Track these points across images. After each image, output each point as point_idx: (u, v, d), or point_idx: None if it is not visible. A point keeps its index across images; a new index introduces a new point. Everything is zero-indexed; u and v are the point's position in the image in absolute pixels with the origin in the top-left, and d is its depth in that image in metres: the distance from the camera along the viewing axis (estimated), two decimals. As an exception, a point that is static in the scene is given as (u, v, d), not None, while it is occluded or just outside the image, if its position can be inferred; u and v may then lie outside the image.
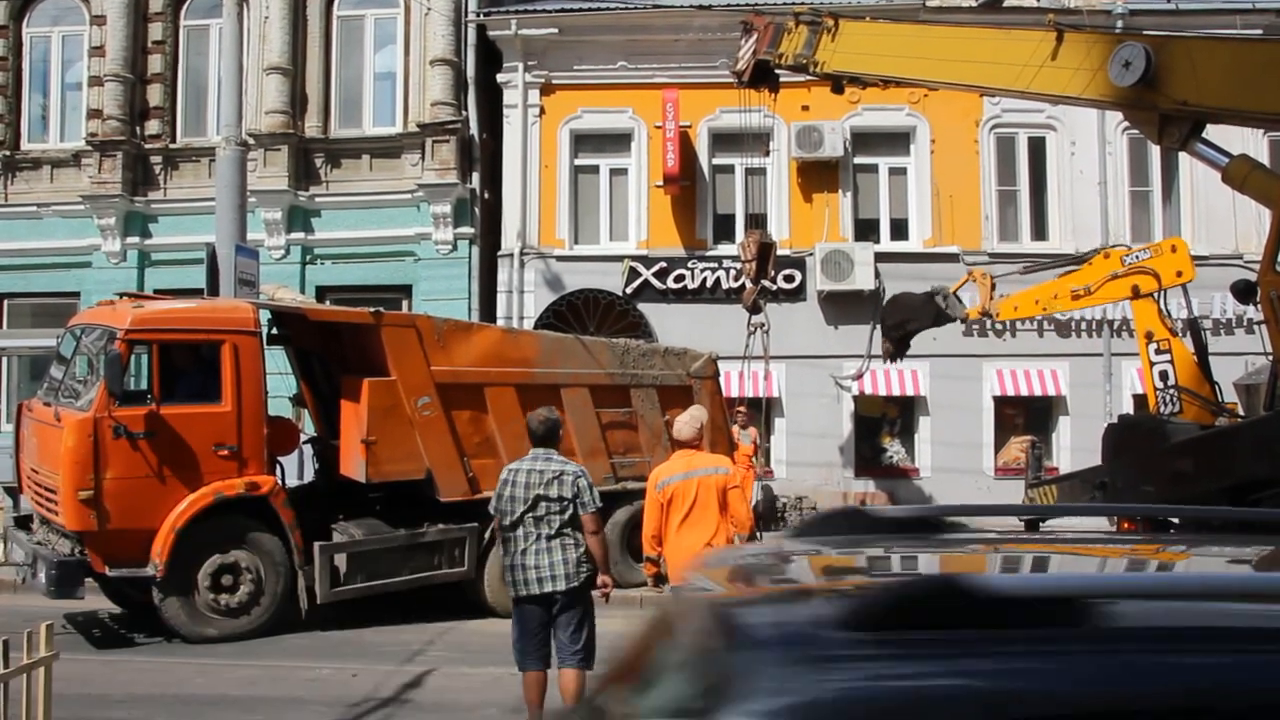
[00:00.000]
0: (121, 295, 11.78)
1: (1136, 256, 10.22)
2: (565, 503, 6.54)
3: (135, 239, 18.04)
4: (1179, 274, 9.92)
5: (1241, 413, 11.07)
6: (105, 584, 10.36)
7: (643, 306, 17.45)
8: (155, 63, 18.30)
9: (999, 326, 17.26)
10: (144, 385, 10.08)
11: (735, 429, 14.70)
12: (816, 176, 17.66)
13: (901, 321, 12.88)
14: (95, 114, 18.16)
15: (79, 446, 9.15)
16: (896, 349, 13.75)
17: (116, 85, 17.93)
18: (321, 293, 17.39)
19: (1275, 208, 7.25)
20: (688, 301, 17.41)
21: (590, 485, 6.61)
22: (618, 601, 11.60)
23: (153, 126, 18.25)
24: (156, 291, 15.02)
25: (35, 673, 4.65)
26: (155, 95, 18.29)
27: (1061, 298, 10.92)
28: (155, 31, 18.30)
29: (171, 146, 18.28)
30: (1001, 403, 17.46)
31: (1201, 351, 9.89)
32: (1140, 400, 14.96)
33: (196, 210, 16.92)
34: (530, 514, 6.60)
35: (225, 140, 12.87)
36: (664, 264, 17.46)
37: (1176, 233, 17.58)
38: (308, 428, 12.61)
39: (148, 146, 18.19)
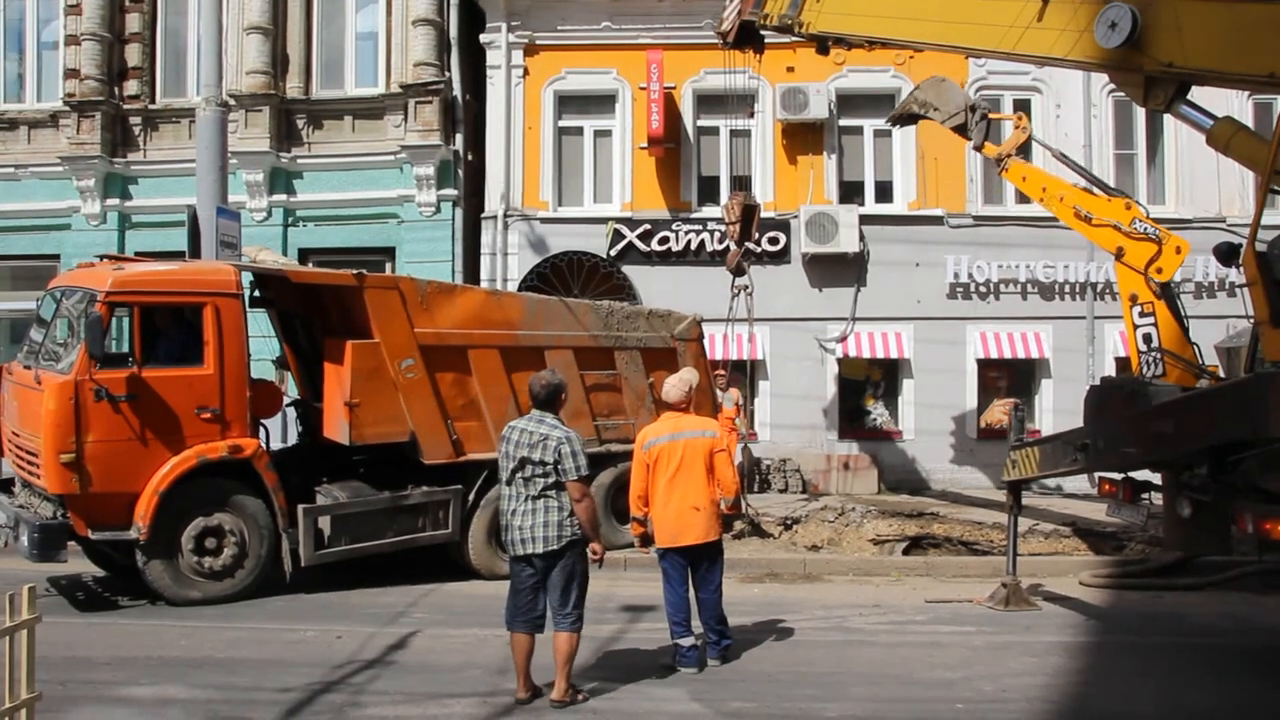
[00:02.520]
0: (102, 257, 11.68)
1: (1145, 228, 10.17)
2: (547, 466, 6.55)
3: (115, 201, 17.89)
4: (1159, 270, 9.92)
5: (1222, 375, 11.13)
6: (88, 547, 10.35)
7: (627, 269, 17.42)
8: (133, 21, 18.07)
9: (982, 289, 17.33)
10: (125, 348, 10.01)
11: (717, 391, 14.74)
12: (801, 138, 17.61)
13: (926, 103, 12.24)
14: (73, 74, 17.93)
15: (60, 409, 9.10)
16: (898, 121, 13.29)
17: (94, 44, 17.70)
18: (304, 255, 17.30)
19: (1260, 170, 7.24)
20: (672, 264, 17.39)
21: (575, 453, 6.58)
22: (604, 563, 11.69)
23: (131, 87, 18.05)
24: (137, 254, 14.89)
25: (18, 635, 4.63)
26: (134, 55, 18.07)
27: (1066, 204, 10.66)
28: (133, -10, 18.07)
29: (151, 107, 18.08)
30: (984, 365, 17.54)
31: (1179, 317, 9.92)
32: (1123, 363, 15.04)
33: (177, 172, 16.82)
34: (519, 474, 6.66)
35: (205, 101, 12.73)
36: (648, 226, 17.41)
37: (1161, 195, 17.65)
38: (291, 390, 12.57)
39: (126, 107, 18.00)
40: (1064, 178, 11.33)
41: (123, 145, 18.01)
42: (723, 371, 14.76)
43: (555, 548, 6.61)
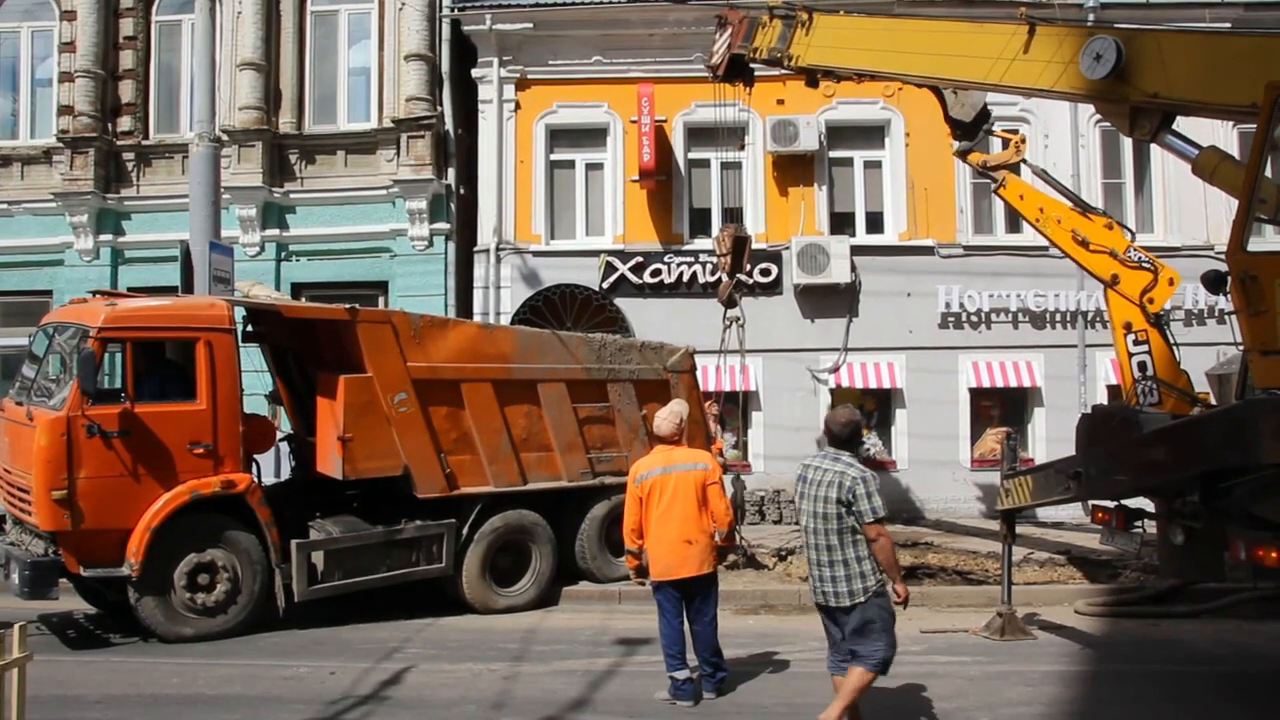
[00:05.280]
0: (95, 293, 11.70)
1: (1139, 257, 10.21)
2: (840, 507, 6.40)
3: (108, 236, 17.89)
4: (1151, 300, 9.97)
5: (1214, 402, 11.16)
6: (80, 584, 10.29)
7: (619, 301, 17.46)
8: (127, 58, 18.15)
9: (974, 318, 17.39)
10: (118, 384, 10.00)
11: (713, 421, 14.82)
12: (792, 170, 17.70)
13: None
14: (66, 110, 18.00)
15: (52, 446, 9.09)
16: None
17: (88, 81, 17.77)
18: (297, 289, 17.32)
19: (1241, 198, 7.31)
20: (664, 296, 17.43)
21: (870, 494, 6.37)
22: (595, 595, 11.71)
23: (125, 123, 18.11)
24: (130, 289, 14.97)
25: (9, 674, 4.62)
26: (127, 91, 18.14)
27: (1063, 226, 10.63)
28: (126, 27, 18.16)
29: (144, 143, 18.13)
30: (977, 394, 17.57)
31: (1171, 346, 9.97)
32: (1115, 391, 15.06)
33: (170, 207, 16.88)
34: (817, 516, 6.53)
35: (198, 136, 12.80)
36: (640, 258, 17.47)
37: (1149, 224, 17.77)
38: (284, 425, 12.56)
39: (120, 143, 18.05)
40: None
41: (116, 181, 18.04)
42: (714, 405, 14.74)
43: (861, 600, 6.39)
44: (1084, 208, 10.91)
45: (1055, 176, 12.05)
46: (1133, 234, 10.68)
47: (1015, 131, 12.49)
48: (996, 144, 12.19)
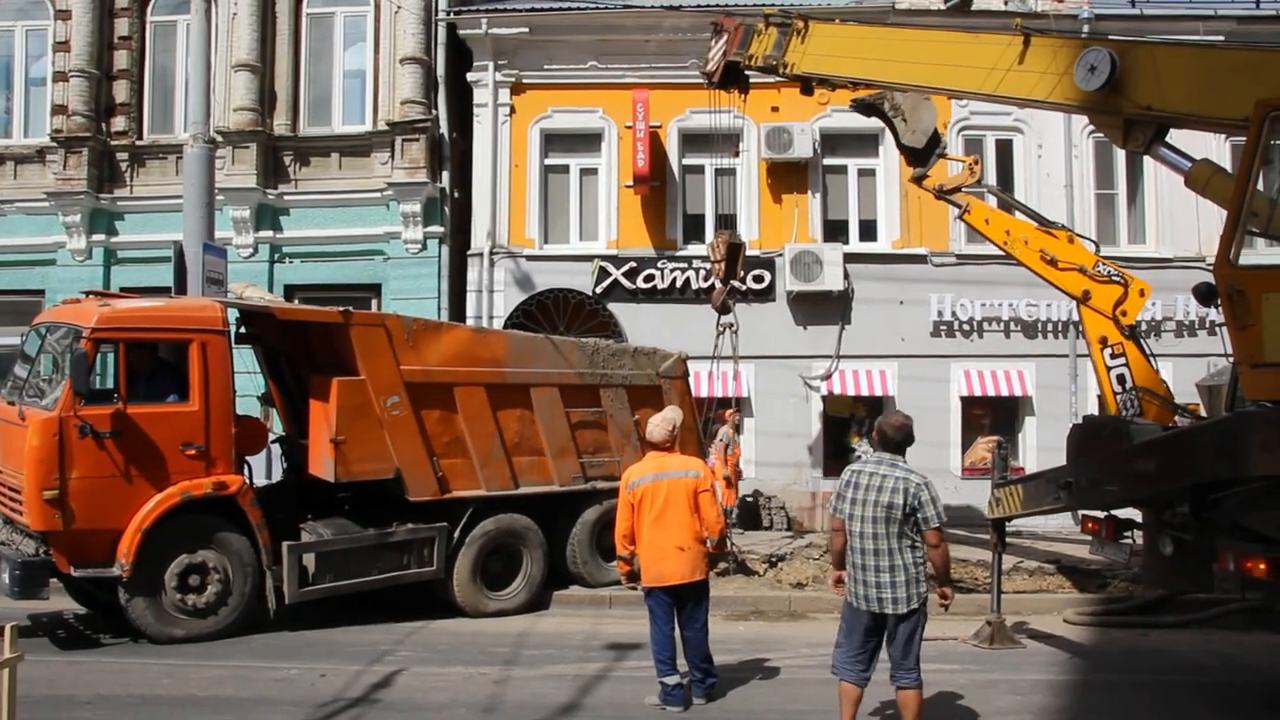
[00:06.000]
0: (88, 293, 11.69)
1: (1108, 271, 10.24)
2: (901, 513, 6.33)
3: (101, 236, 17.87)
4: (1124, 313, 10.01)
5: (1204, 413, 11.21)
6: (70, 584, 10.27)
7: (612, 306, 17.47)
8: (121, 59, 18.14)
9: (966, 327, 17.44)
10: (110, 384, 9.99)
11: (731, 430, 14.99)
12: (786, 177, 17.74)
13: (899, 108, 11.77)
14: (60, 110, 17.97)
15: (44, 446, 9.07)
16: (862, 105, 12.44)
17: (82, 81, 17.75)
18: (290, 291, 17.31)
19: (1231, 212, 7.36)
20: (657, 301, 17.45)
21: (934, 499, 6.36)
22: (586, 600, 11.71)
23: (119, 123, 18.09)
24: (123, 290, 14.93)
25: (0, 674, 4.62)
26: (121, 91, 18.12)
27: (1031, 247, 10.64)
28: (121, 27, 18.15)
29: (138, 143, 18.11)
30: (968, 403, 17.62)
31: (1148, 356, 10.01)
32: (1105, 402, 15.12)
33: (164, 208, 16.86)
34: (872, 521, 6.44)
35: (193, 137, 12.79)
36: (634, 264, 17.49)
37: (1142, 235, 17.85)
38: (276, 427, 12.55)
39: (114, 143, 18.03)
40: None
41: (109, 181, 18.02)
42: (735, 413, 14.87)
43: (916, 606, 6.37)
44: (1043, 223, 10.94)
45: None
46: (1096, 246, 10.72)
47: (973, 157, 12.57)
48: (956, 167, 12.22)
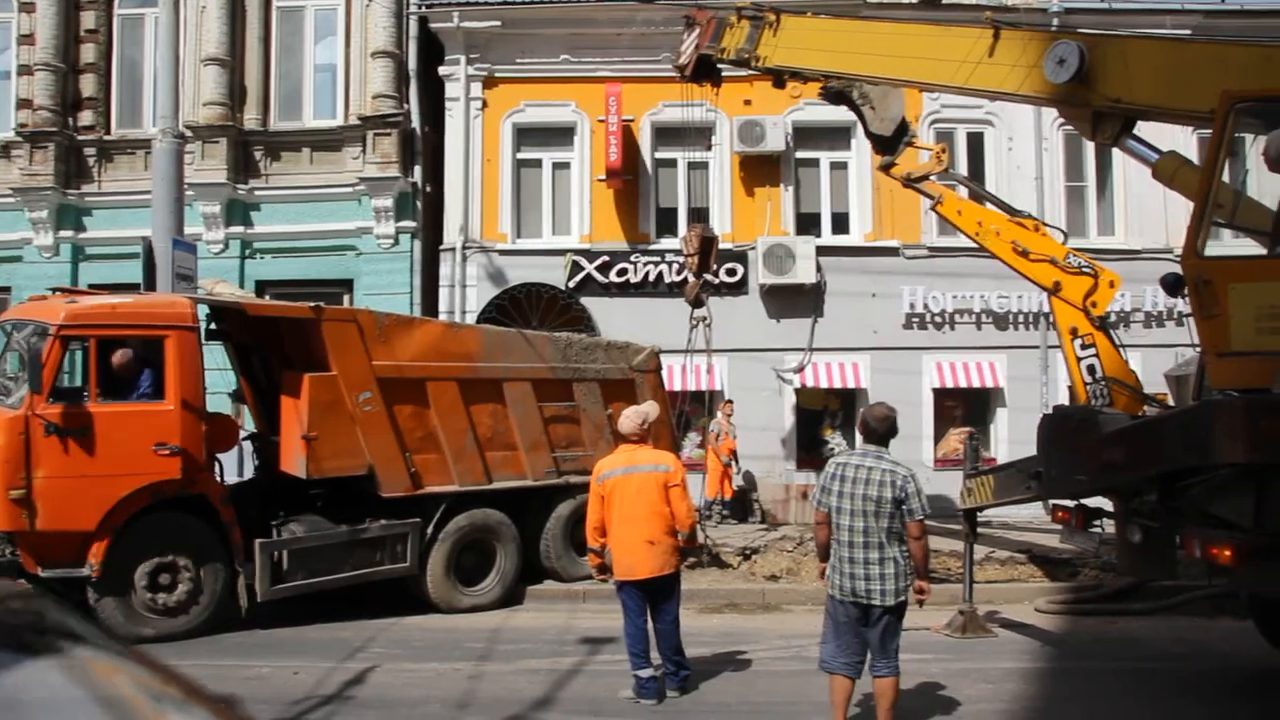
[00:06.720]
0: (55, 290, 11.56)
1: (1078, 262, 10.30)
2: (890, 506, 6.38)
3: (69, 232, 17.70)
4: (1094, 304, 10.07)
5: (1172, 403, 11.30)
6: (38, 585, 10.17)
7: (585, 300, 17.46)
8: (88, 52, 17.96)
9: (938, 319, 17.53)
10: (79, 382, 9.90)
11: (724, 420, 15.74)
12: (758, 170, 17.77)
13: (867, 96, 11.71)
14: (25, 104, 17.78)
15: (10, 445, 8.98)
16: (831, 94, 12.11)
17: (47, 75, 17.57)
18: (261, 287, 17.21)
19: (1197, 203, 7.42)
20: (630, 295, 17.45)
21: (920, 491, 6.43)
22: (560, 594, 11.71)
23: (86, 117, 17.91)
24: (91, 286, 14.78)
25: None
26: (89, 85, 17.94)
27: (1003, 238, 10.66)
28: (88, 20, 17.98)
29: (106, 138, 17.95)
30: (941, 394, 17.72)
31: (1117, 347, 10.08)
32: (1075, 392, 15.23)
33: (132, 204, 16.70)
34: (858, 513, 6.46)
35: (161, 132, 12.66)
36: (606, 258, 17.48)
37: (1111, 227, 17.99)
38: (247, 424, 12.48)
39: (81, 138, 17.86)
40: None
41: (77, 176, 17.85)
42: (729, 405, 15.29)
43: (904, 599, 6.42)
44: (1011, 212, 10.98)
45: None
46: (1065, 235, 10.78)
47: (940, 145, 12.60)
48: (924, 155, 12.25)
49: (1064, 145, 17.87)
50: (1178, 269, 7.61)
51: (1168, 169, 8.44)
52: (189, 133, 16.19)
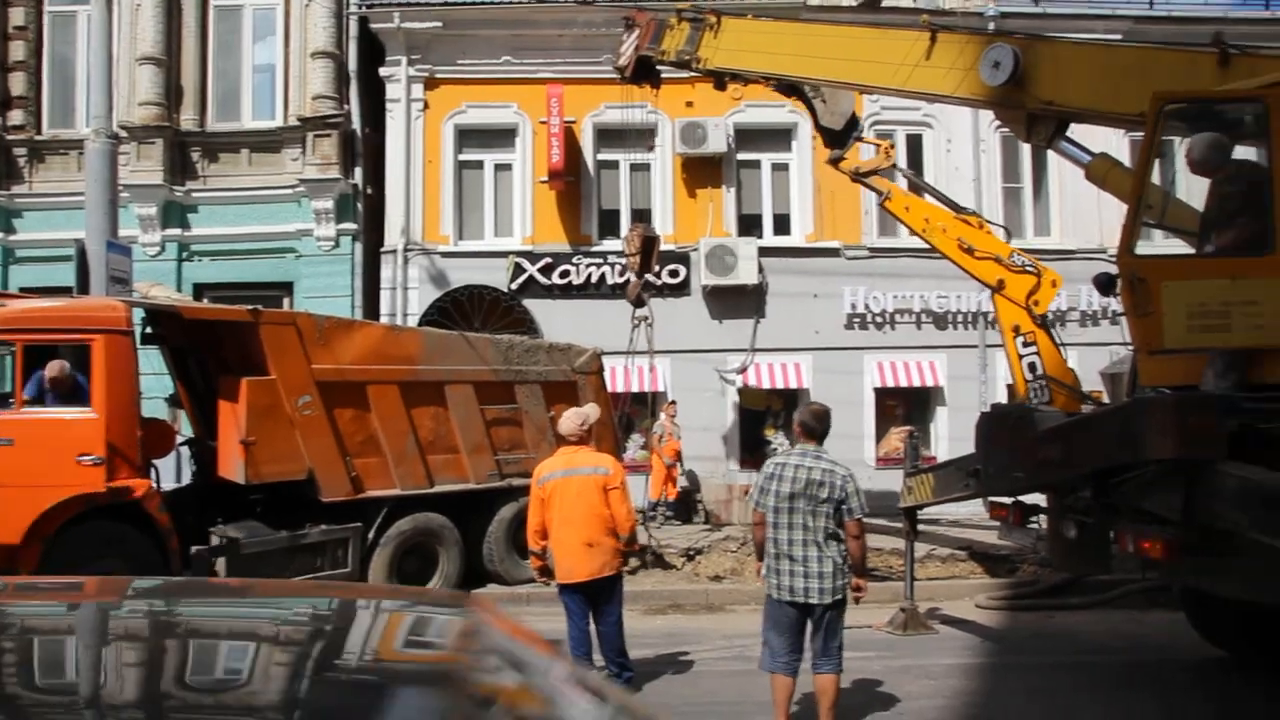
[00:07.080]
0: (-17, 294, 11.31)
1: (1022, 261, 10.47)
2: (828, 506, 6.41)
3: (-2, 235, 17.34)
4: (1036, 303, 10.24)
5: (1107, 400, 11.51)
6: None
7: (528, 302, 17.41)
8: (18, 49, 17.59)
9: (879, 319, 17.70)
10: (6, 388, 9.67)
11: (668, 421, 16.05)
12: (700, 172, 17.83)
13: (820, 89, 11.80)
14: (-48, 104, 17.40)
15: (-66, 453, 8.76)
16: (782, 84, 12.01)
17: (-25, 74, 17.20)
18: (199, 290, 16.97)
19: (1130, 203, 7.56)
20: (573, 297, 17.43)
21: (859, 490, 6.47)
22: (504, 598, 11.65)
23: (16, 117, 17.55)
24: (22, 290, 14.48)
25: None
26: (18, 84, 17.58)
27: (949, 235, 10.79)
28: (16, 16, 17.62)
29: (37, 138, 17.59)
30: (882, 394, 17.89)
31: (1058, 345, 10.26)
32: (1014, 390, 15.45)
33: (65, 205, 16.38)
34: (795, 514, 6.46)
35: (95, 132, 12.43)
36: (549, 260, 17.44)
37: (1046, 227, 18.27)
38: (184, 429, 12.28)
39: (10, 138, 17.49)
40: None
41: (7, 178, 17.48)
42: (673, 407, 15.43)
43: (841, 598, 6.44)
44: (956, 209, 11.14)
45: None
46: (1008, 233, 10.94)
47: (887, 141, 12.75)
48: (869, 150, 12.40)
49: (1001, 147, 18.14)
50: (1112, 268, 7.76)
51: (1100, 171, 8.61)
52: (124, 133, 15.92)
